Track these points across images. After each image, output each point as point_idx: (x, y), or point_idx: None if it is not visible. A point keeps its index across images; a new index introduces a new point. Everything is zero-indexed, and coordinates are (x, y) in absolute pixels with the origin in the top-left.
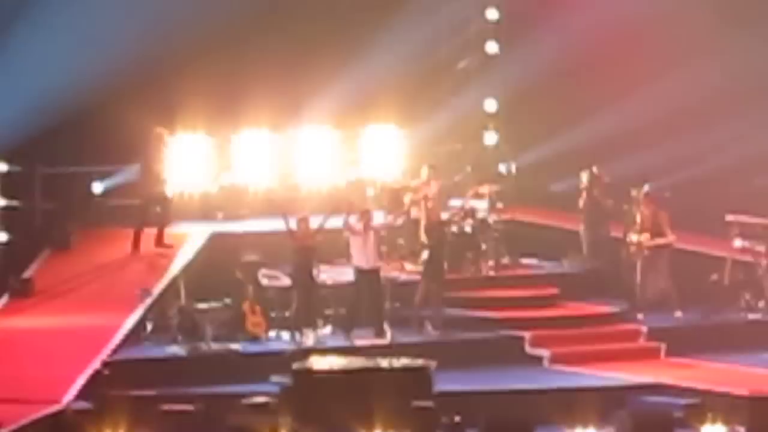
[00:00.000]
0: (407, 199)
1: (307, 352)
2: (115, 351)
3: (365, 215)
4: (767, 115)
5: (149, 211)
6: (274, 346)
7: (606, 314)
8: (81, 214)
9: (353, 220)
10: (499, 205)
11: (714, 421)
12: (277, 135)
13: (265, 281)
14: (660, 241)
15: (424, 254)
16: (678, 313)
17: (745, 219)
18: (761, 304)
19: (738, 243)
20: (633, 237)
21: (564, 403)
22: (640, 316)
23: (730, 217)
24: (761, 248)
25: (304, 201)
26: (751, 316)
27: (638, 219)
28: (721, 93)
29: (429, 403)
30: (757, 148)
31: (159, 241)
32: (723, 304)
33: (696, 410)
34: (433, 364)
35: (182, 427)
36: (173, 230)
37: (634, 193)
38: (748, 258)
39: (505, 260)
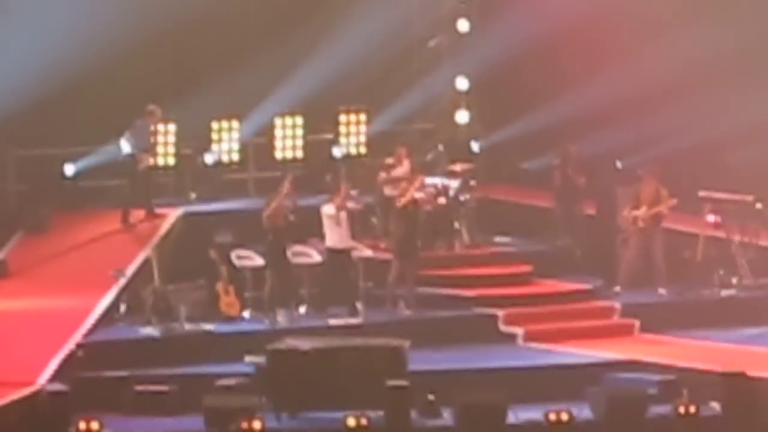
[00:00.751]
0: (380, 178)
1: (281, 332)
2: (89, 332)
3: (338, 195)
4: (738, 92)
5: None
6: (248, 326)
7: (580, 291)
8: (54, 196)
9: (327, 206)
10: (472, 183)
11: (688, 397)
12: (249, 120)
13: (238, 262)
14: (660, 207)
15: (397, 233)
16: (662, 291)
17: (717, 195)
18: (734, 280)
19: (711, 219)
20: (634, 213)
21: (538, 381)
22: (617, 288)
23: (702, 194)
24: (734, 224)
25: (279, 182)
26: (725, 293)
27: (638, 195)
28: (691, 70)
29: (403, 382)
30: (728, 124)
31: (125, 219)
32: (696, 281)
33: (670, 387)
34: (407, 343)
35: (157, 407)
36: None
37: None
38: (720, 234)
39: (479, 238)
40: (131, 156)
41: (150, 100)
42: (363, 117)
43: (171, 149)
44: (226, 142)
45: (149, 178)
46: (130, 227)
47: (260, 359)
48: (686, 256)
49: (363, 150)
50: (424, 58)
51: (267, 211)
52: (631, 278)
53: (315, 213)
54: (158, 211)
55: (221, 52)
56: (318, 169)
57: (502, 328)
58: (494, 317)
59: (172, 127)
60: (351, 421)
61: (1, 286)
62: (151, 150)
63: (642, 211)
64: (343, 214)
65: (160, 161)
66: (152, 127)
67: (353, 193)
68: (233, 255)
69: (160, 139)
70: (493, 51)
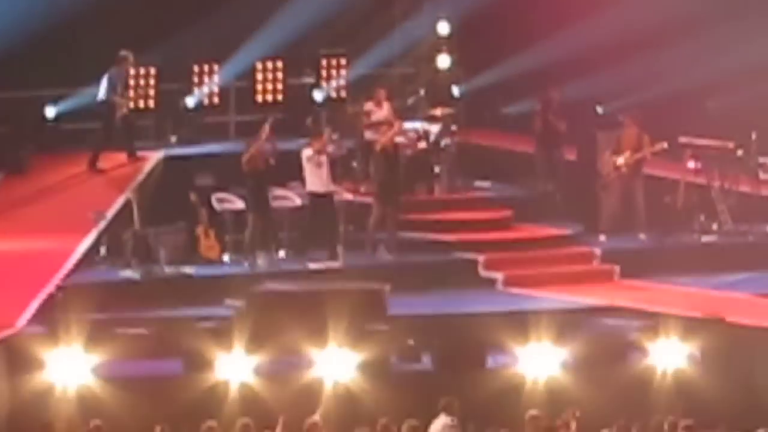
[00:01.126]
0: (360, 121)
1: (260, 276)
2: (69, 275)
3: (318, 139)
4: (720, 38)
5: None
6: (227, 269)
7: (560, 236)
8: (34, 138)
9: (307, 149)
10: (453, 127)
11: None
12: (231, 64)
13: (218, 205)
14: (644, 152)
15: (378, 177)
16: (642, 236)
17: (698, 141)
18: (715, 226)
19: (691, 165)
20: (616, 158)
21: (517, 326)
22: (602, 237)
23: (683, 139)
24: (714, 170)
25: (260, 125)
26: (705, 239)
27: (620, 140)
28: (674, 16)
29: (383, 326)
30: (709, 70)
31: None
32: (677, 227)
33: (650, 332)
34: (386, 287)
35: (136, 350)
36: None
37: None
38: (701, 180)
39: (459, 183)
40: (105, 102)
41: (132, 41)
42: (344, 61)
43: (152, 92)
44: (206, 86)
45: (129, 122)
46: (104, 171)
47: (240, 302)
48: (667, 201)
49: (344, 94)
50: (406, 3)
51: (247, 154)
52: (612, 224)
53: (296, 157)
54: (139, 154)
55: None
56: (299, 113)
57: (482, 272)
58: (474, 262)
59: (153, 70)
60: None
61: None
62: (127, 96)
63: (625, 157)
64: (324, 158)
65: (141, 104)
66: (129, 72)
67: (334, 136)
68: (213, 198)
69: (141, 82)
70: None
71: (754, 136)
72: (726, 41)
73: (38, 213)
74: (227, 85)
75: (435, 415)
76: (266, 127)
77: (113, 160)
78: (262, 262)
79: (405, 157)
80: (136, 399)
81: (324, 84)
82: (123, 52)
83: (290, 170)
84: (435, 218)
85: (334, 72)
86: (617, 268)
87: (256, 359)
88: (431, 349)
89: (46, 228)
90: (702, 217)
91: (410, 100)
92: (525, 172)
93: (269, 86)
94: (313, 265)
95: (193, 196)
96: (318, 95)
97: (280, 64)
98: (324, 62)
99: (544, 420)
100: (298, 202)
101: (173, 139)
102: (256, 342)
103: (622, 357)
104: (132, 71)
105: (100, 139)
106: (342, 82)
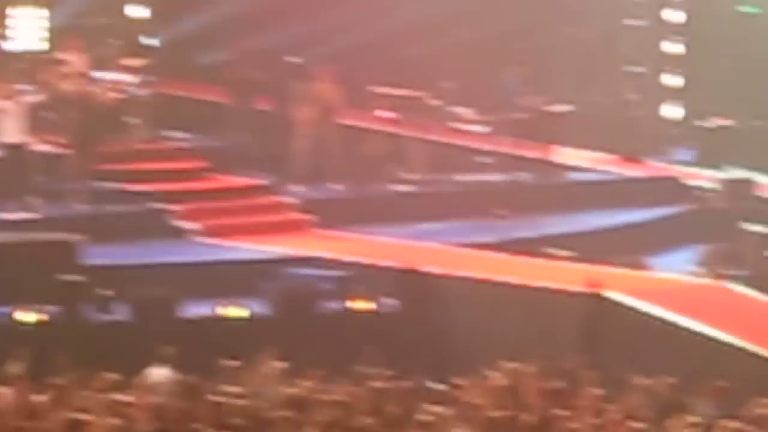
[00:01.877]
0: (53, 72)
1: None
2: None
3: (9, 89)
4: None
5: None
6: None
7: (255, 187)
8: None
9: None
10: (147, 78)
11: (363, 293)
12: None
13: None
14: (333, 102)
15: (71, 127)
16: (337, 186)
17: (392, 91)
18: (409, 176)
19: (386, 115)
20: (309, 109)
21: (212, 277)
22: (296, 188)
23: (377, 89)
24: (409, 120)
25: None
26: (399, 188)
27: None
28: None
29: (78, 277)
30: (400, 20)
31: None
32: (372, 177)
33: (346, 283)
34: (78, 237)
35: None
36: None
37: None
38: (396, 130)
39: (154, 133)
40: None
41: None
42: (36, 11)
43: None
44: None
45: None
46: None
47: None
48: (361, 151)
49: (38, 45)
50: None
51: None
52: (307, 174)
53: None
54: None
55: None
56: None
57: (177, 222)
58: (169, 212)
59: None
60: (26, 316)
61: None
62: None
63: (316, 106)
64: (17, 108)
65: None
66: None
67: (27, 87)
68: None
69: None
70: None
71: (447, 85)
72: None
73: None
74: None
75: (135, 366)
76: None
77: None
78: None
79: (99, 107)
80: None
81: (16, 34)
82: None
83: None
84: (130, 168)
85: (28, 22)
86: (313, 218)
87: None
88: (126, 300)
89: None
90: (396, 167)
91: (103, 51)
92: (220, 122)
93: None
94: (6, 216)
95: None
96: (10, 45)
97: None
98: (18, 12)
99: (244, 370)
100: None
101: None
102: None
103: (317, 307)
104: None
105: None
106: (36, 32)
